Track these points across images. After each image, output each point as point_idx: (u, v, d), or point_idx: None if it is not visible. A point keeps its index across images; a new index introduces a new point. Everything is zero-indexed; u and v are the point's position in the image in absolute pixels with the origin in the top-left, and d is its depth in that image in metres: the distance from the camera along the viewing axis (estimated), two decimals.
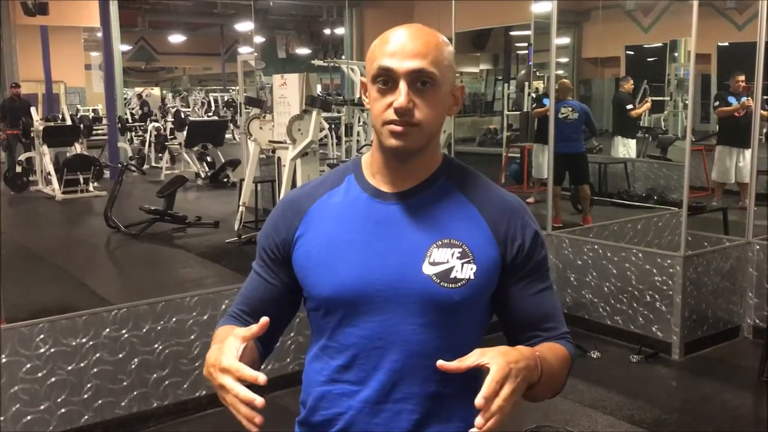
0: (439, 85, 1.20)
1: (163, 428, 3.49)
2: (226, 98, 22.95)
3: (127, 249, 7.67)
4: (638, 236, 5.46)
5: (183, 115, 14.07)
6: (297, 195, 1.35)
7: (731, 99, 8.22)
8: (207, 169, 12.26)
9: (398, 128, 1.19)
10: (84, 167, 10.72)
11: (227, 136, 14.88)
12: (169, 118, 15.22)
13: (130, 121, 16.10)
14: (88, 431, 3.29)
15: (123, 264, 7.39)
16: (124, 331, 3.38)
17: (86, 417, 3.28)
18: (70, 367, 3.24)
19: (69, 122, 11.96)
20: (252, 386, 1.09)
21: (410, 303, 1.21)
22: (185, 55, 29.00)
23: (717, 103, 8.52)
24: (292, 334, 3.76)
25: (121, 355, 3.37)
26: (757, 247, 4.56)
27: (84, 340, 3.28)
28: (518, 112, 11.71)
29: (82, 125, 11.88)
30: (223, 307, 3.59)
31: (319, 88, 17.24)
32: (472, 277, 1.22)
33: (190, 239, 7.82)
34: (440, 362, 1.12)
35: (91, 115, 15.82)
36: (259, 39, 14.77)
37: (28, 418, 3.16)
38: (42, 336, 3.18)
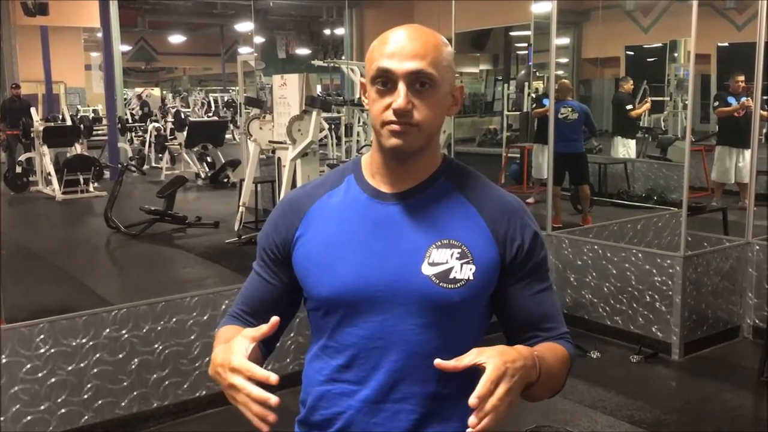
0: (438, 85, 1.20)
1: (163, 428, 3.49)
2: (226, 98, 22.96)
3: (127, 249, 7.67)
4: (638, 236, 5.46)
5: (183, 116, 14.07)
6: (297, 195, 1.35)
7: (731, 99, 8.22)
8: (207, 170, 12.26)
9: (397, 127, 1.19)
10: (84, 168, 10.72)
11: (227, 136, 14.89)
12: (169, 118, 15.23)
13: (130, 121, 16.11)
14: (88, 431, 3.29)
15: (123, 264, 7.39)
16: (124, 332, 3.38)
17: (86, 417, 3.29)
18: (70, 368, 3.24)
19: (69, 123, 11.96)
20: (262, 385, 1.09)
21: (409, 303, 1.21)
22: (185, 56, 29.03)
23: (717, 104, 8.52)
24: (292, 334, 3.77)
25: (121, 356, 3.37)
26: (757, 247, 4.56)
27: (84, 341, 3.28)
28: (518, 113, 11.71)
29: (82, 125, 11.88)
30: (223, 307, 3.59)
31: (319, 89, 17.25)
32: (471, 277, 1.22)
33: (190, 239, 7.83)
34: (437, 361, 1.12)
35: (91, 115, 15.83)
36: (259, 39, 14.78)
37: (29, 418, 3.16)
38: (42, 336, 3.18)
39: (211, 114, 20.56)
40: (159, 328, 3.47)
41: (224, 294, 3.66)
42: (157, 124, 14.89)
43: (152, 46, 27.56)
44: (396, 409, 1.23)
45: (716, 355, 4.39)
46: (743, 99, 7.97)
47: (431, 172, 1.28)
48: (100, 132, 13.53)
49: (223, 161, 12.12)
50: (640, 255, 4.48)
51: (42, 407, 3.18)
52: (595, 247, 4.71)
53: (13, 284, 4.73)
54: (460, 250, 1.22)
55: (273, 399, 1.07)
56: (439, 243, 1.22)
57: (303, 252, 1.28)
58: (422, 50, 1.19)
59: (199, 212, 8.70)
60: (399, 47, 1.19)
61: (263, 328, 1.15)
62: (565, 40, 13.74)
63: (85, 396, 3.28)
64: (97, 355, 3.31)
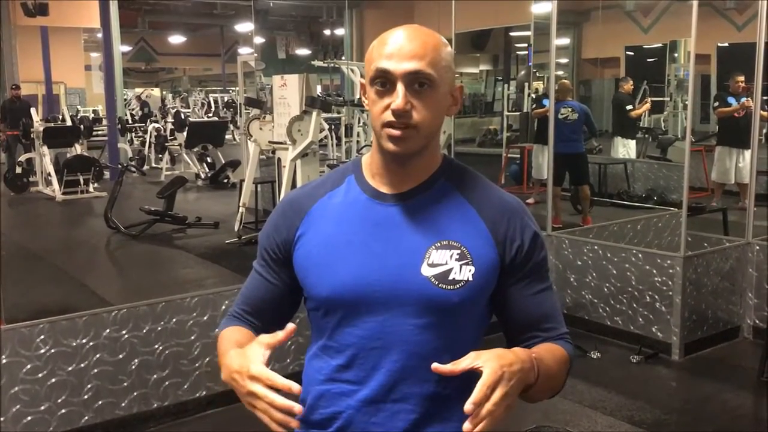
0: (436, 86, 1.20)
1: (164, 429, 3.49)
2: (226, 99, 22.97)
3: (127, 250, 7.67)
4: (638, 237, 5.46)
5: (183, 116, 14.09)
6: (298, 195, 1.36)
7: (731, 99, 8.22)
8: (207, 170, 12.27)
9: (396, 132, 1.19)
10: (84, 168, 10.73)
11: (227, 136, 14.89)
12: (169, 118, 15.23)
13: (130, 121, 16.12)
14: None
15: (123, 265, 7.40)
16: (124, 332, 3.38)
17: (86, 417, 3.29)
18: (70, 368, 3.24)
19: (69, 123, 11.97)
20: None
21: (409, 304, 1.22)
22: (185, 56, 29.06)
23: (717, 104, 8.52)
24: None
25: (121, 356, 3.37)
26: (757, 247, 4.57)
27: (84, 341, 3.28)
28: (518, 113, 11.70)
29: (82, 126, 11.88)
30: (223, 307, 3.59)
31: (318, 89, 17.24)
32: (471, 278, 1.22)
33: (190, 240, 7.83)
34: (435, 365, 1.12)
35: (91, 115, 15.82)
36: (259, 40, 14.77)
37: (29, 418, 3.16)
38: (42, 337, 3.18)
39: (211, 114, 20.57)
40: (159, 328, 3.47)
41: (224, 294, 3.66)
42: (157, 125, 14.89)
43: (152, 46, 27.59)
44: (395, 409, 1.24)
45: (716, 356, 4.39)
46: (743, 99, 7.97)
47: (431, 173, 1.28)
48: (100, 132, 13.54)
49: (223, 162, 12.12)
50: (640, 255, 4.48)
51: (42, 407, 3.18)
52: (595, 247, 4.71)
53: (14, 284, 4.73)
54: (459, 251, 1.22)
55: (297, 407, 1.09)
56: (439, 244, 1.23)
57: (303, 252, 1.29)
58: (421, 51, 1.19)
59: (199, 213, 8.71)
60: (397, 48, 1.19)
61: (279, 336, 1.16)
62: (565, 41, 13.75)
63: (86, 396, 3.29)
64: (98, 356, 3.31)
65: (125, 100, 19.01)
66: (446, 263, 1.21)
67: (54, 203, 10.47)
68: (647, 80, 11.02)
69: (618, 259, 4.56)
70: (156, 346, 3.47)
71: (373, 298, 1.22)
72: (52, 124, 11.87)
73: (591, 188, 7.73)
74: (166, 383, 3.50)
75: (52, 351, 3.20)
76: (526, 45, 11.88)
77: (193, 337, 3.55)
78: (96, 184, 11.04)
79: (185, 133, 12.68)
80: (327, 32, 20.15)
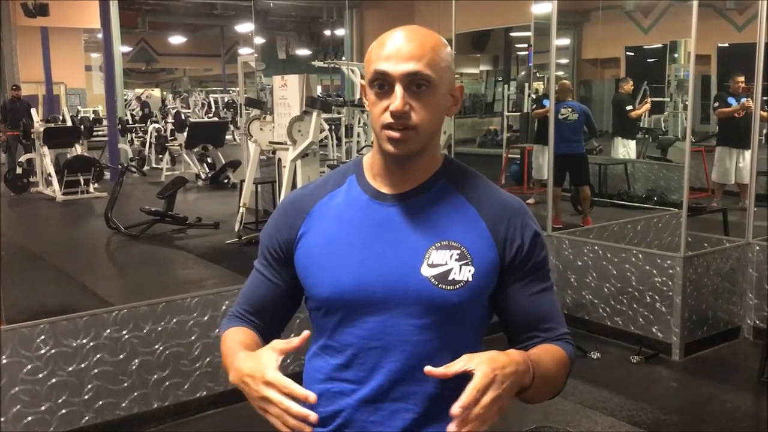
0: (435, 87, 1.20)
1: (164, 429, 3.49)
2: (226, 99, 22.97)
3: (127, 250, 7.67)
4: (638, 237, 5.47)
5: (183, 117, 14.09)
6: (299, 195, 1.36)
7: (731, 100, 8.23)
8: (207, 171, 12.28)
9: (396, 134, 1.19)
10: (84, 168, 10.73)
11: (227, 137, 14.90)
12: (170, 119, 15.24)
13: (130, 122, 16.13)
14: None
15: (123, 265, 7.40)
16: (124, 332, 3.38)
17: (87, 418, 3.29)
18: (70, 368, 3.25)
19: (69, 123, 11.98)
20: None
21: (409, 304, 1.22)
22: (185, 57, 29.08)
23: (717, 104, 8.52)
24: (292, 335, 3.75)
25: (121, 356, 3.38)
26: (757, 248, 4.57)
27: (84, 341, 3.28)
28: (518, 113, 11.71)
29: (82, 126, 11.90)
30: (224, 308, 3.60)
31: (319, 90, 17.24)
32: (470, 279, 1.22)
33: (190, 240, 7.83)
34: (428, 368, 1.11)
35: (92, 116, 15.84)
36: (259, 40, 14.76)
37: (29, 419, 3.16)
38: (43, 337, 3.18)
39: (211, 115, 20.59)
40: (159, 328, 3.47)
41: (224, 295, 3.66)
42: (157, 125, 14.90)
43: (152, 47, 27.61)
44: (394, 408, 1.24)
45: (716, 356, 4.39)
46: (743, 100, 7.97)
47: (431, 174, 1.28)
48: (100, 133, 13.56)
49: (224, 162, 12.12)
50: (640, 256, 4.48)
51: (42, 408, 3.19)
52: (596, 247, 4.71)
53: (14, 285, 4.74)
54: (459, 252, 1.22)
55: (313, 416, 1.09)
56: (439, 244, 1.23)
57: (304, 252, 1.29)
58: (419, 52, 1.19)
59: (199, 213, 8.72)
60: (395, 49, 1.19)
61: (294, 342, 1.16)
62: (565, 41, 13.74)
63: (86, 397, 3.29)
64: (98, 356, 3.31)
65: (125, 100, 19.01)
66: (446, 263, 1.21)
67: (54, 204, 10.48)
68: (647, 81, 11.02)
69: (618, 259, 4.56)
70: (156, 347, 3.47)
71: (373, 298, 1.22)
72: (53, 125, 11.89)
73: (591, 189, 7.73)
74: (167, 383, 3.50)
75: (53, 351, 3.20)
76: (526, 45, 11.88)
77: (193, 338, 3.55)
78: (96, 185, 11.04)
79: (185, 134, 12.69)
80: (327, 32, 20.14)
